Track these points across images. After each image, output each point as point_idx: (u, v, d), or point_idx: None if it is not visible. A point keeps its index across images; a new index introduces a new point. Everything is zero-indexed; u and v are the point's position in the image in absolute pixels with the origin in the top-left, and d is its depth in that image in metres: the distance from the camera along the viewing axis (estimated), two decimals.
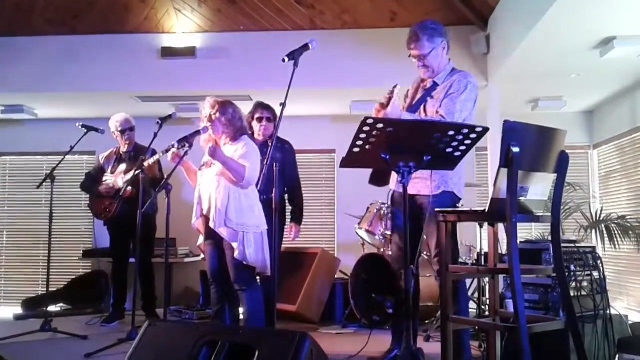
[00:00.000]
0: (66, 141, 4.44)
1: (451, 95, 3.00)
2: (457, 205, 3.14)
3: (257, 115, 4.28)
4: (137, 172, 4.19)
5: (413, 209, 3.06)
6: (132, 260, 4.90)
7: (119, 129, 4.83)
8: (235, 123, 3.48)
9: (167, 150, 3.61)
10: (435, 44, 3.05)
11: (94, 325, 4.74)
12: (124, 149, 4.91)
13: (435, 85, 3.12)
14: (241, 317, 3.71)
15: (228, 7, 5.59)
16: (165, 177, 3.58)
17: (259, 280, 3.59)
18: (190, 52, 5.62)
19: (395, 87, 2.82)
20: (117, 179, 4.75)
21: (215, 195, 3.35)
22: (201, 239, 3.58)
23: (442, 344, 2.59)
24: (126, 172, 4.71)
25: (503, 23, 4.97)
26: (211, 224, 3.34)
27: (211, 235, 3.42)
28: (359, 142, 2.31)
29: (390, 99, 2.80)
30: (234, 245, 3.29)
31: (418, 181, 3.03)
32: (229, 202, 3.32)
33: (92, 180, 4.96)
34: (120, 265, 4.96)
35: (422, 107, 3.12)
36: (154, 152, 4.30)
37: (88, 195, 5.12)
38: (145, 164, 4.22)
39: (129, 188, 4.55)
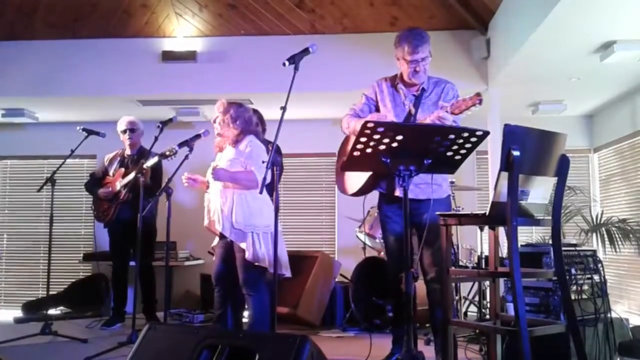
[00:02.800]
0: (67, 145, 4.44)
1: (451, 101, 3.03)
2: None
3: None
4: (136, 175, 4.20)
5: (418, 214, 3.06)
6: (132, 263, 4.90)
7: (122, 128, 4.84)
8: (238, 125, 3.45)
9: (163, 154, 3.62)
10: (430, 47, 3.11)
11: (94, 328, 4.73)
12: (128, 151, 4.91)
13: (423, 90, 3.15)
14: (244, 320, 3.70)
15: (229, 11, 5.61)
16: (166, 181, 3.58)
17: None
18: (191, 56, 5.64)
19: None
20: (116, 182, 4.75)
21: (220, 199, 3.35)
22: (216, 240, 3.56)
23: (442, 347, 2.59)
24: (124, 175, 4.71)
25: (503, 27, 4.98)
26: (218, 227, 3.34)
27: (223, 236, 3.40)
28: (360, 146, 2.32)
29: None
30: (243, 246, 3.28)
31: (425, 186, 3.03)
32: (235, 206, 3.31)
33: (94, 181, 4.97)
34: (120, 269, 4.95)
35: (418, 112, 3.12)
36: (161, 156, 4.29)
37: (90, 196, 5.10)
38: (145, 166, 4.22)
39: (123, 191, 4.56)
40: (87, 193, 5.16)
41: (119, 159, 4.93)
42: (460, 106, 2.68)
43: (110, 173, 4.89)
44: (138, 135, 4.90)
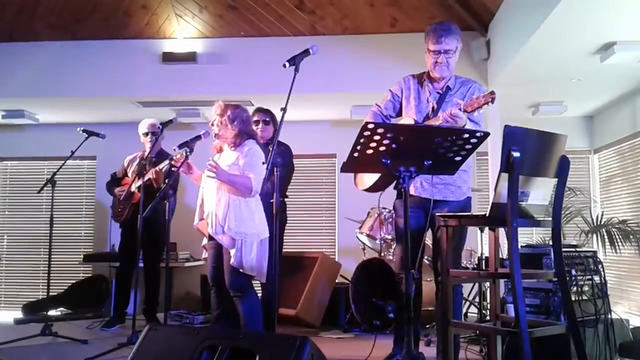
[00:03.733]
0: (67, 146, 4.45)
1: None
2: None
3: (254, 119, 4.29)
4: (137, 175, 4.22)
5: (425, 211, 3.03)
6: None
7: (143, 131, 4.85)
8: (235, 126, 3.43)
9: (171, 159, 3.63)
10: (460, 44, 3.11)
11: (94, 330, 4.73)
12: (148, 153, 4.92)
13: (448, 89, 3.13)
14: None
15: (229, 12, 5.61)
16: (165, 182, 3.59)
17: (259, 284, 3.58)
18: (191, 57, 5.64)
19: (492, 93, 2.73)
20: (132, 183, 4.77)
21: (215, 202, 3.35)
22: (205, 240, 3.57)
23: (442, 348, 2.59)
24: (140, 176, 4.73)
25: (503, 28, 4.98)
26: (209, 230, 3.34)
27: (213, 237, 3.41)
28: (360, 147, 2.32)
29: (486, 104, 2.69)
30: (232, 252, 3.29)
31: (442, 187, 3.04)
32: (229, 211, 3.30)
33: (114, 181, 5.00)
34: (127, 270, 4.93)
35: (440, 110, 3.08)
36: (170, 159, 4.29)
37: (92, 198, 5.11)
38: (151, 172, 4.24)
39: (137, 192, 4.58)
40: (87, 194, 5.18)
41: (138, 160, 4.94)
42: (473, 104, 2.68)
43: (129, 174, 4.91)
44: (157, 136, 4.89)
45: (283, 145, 4.45)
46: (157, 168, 4.27)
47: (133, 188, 4.72)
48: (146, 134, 4.84)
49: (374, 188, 3.17)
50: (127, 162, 5.02)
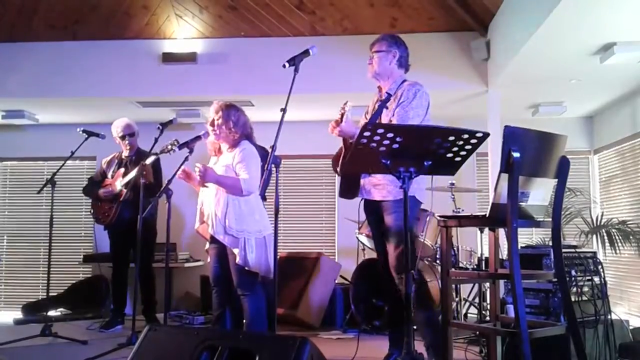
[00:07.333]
0: (67, 146, 4.45)
1: (402, 103, 3.06)
2: (420, 208, 3.25)
3: None
4: (136, 174, 4.22)
5: (377, 214, 3.11)
6: (132, 265, 4.89)
7: (120, 134, 4.83)
8: (237, 129, 3.43)
9: (163, 151, 3.63)
10: (389, 48, 3.30)
11: (94, 330, 4.73)
12: (125, 153, 4.91)
13: (388, 96, 3.19)
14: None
15: (229, 13, 5.61)
16: (166, 182, 3.59)
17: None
18: (191, 57, 5.64)
19: (345, 103, 3.07)
20: (116, 182, 4.75)
21: (214, 202, 3.35)
22: (208, 244, 3.57)
23: (442, 348, 2.59)
24: (124, 175, 4.72)
25: (503, 29, 4.98)
26: (210, 231, 3.34)
27: (215, 239, 3.41)
28: (360, 147, 2.32)
29: (342, 115, 3.02)
30: (235, 251, 3.29)
31: (381, 187, 3.07)
32: (228, 209, 3.31)
33: (93, 185, 4.96)
34: (120, 270, 4.94)
35: (378, 118, 3.16)
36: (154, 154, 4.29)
37: (90, 200, 5.10)
38: (139, 167, 4.23)
39: (124, 190, 4.58)
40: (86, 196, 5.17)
41: (116, 161, 4.93)
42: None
43: (109, 175, 4.88)
44: (136, 137, 4.90)
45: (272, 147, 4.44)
46: (143, 162, 4.22)
47: (118, 187, 4.70)
48: (123, 137, 4.82)
49: (341, 194, 3.26)
50: (105, 164, 4.97)
